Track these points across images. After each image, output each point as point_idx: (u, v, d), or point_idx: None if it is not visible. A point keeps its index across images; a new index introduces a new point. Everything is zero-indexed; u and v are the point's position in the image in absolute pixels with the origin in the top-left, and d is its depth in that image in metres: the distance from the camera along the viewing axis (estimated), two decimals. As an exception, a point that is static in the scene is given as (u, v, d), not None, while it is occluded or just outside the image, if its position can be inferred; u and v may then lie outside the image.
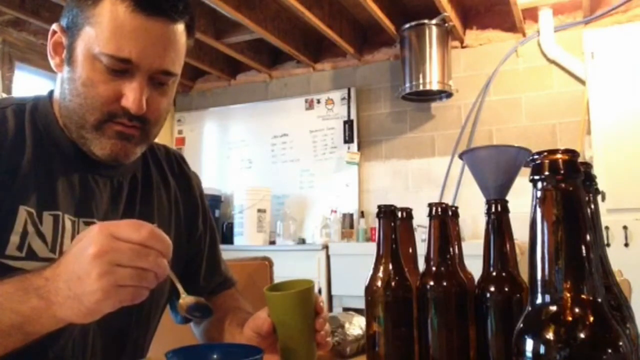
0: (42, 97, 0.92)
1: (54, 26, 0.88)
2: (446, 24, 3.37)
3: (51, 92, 0.92)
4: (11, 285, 0.68)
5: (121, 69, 0.82)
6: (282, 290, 0.85)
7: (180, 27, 0.86)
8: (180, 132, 4.61)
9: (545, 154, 0.48)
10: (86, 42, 0.82)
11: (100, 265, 0.62)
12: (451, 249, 0.80)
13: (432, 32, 3.38)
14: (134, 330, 0.95)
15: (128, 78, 0.83)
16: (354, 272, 2.48)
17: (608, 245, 2.85)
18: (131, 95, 0.82)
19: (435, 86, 3.40)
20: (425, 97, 3.64)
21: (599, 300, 0.46)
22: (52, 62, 0.89)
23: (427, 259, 0.81)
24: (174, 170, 1.07)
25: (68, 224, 0.85)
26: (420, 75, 3.40)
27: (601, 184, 2.71)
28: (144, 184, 0.99)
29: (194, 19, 0.90)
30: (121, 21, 0.80)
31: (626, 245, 2.94)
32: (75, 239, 0.68)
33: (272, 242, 3.89)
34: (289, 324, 0.82)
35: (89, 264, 0.62)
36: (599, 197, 0.88)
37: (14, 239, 0.80)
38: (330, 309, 3.34)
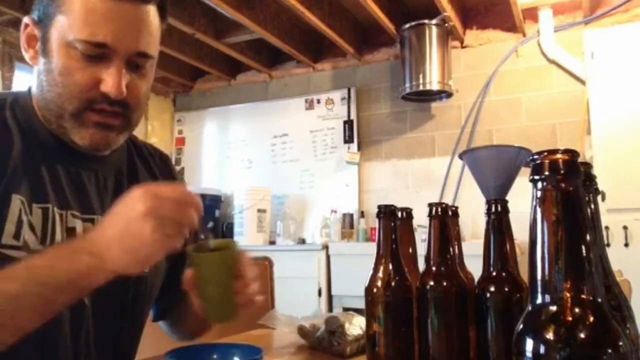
0: (22, 93, 0.91)
1: (26, 19, 0.87)
2: (446, 24, 3.37)
3: (30, 88, 0.91)
4: (56, 251, 0.75)
5: (97, 54, 0.82)
6: (207, 250, 0.85)
7: (152, 9, 0.86)
8: (180, 132, 4.61)
9: (545, 154, 0.48)
10: (59, 31, 0.82)
11: (152, 220, 0.70)
12: (451, 249, 0.80)
13: (432, 32, 3.38)
14: (129, 311, 0.94)
15: (105, 63, 0.82)
16: (354, 272, 2.48)
17: (608, 245, 2.85)
18: (110, 79, 0.82)
19: (435, 86, 3.40)
20: (425, 97, 3.63)
21: (599, 300, 0.46)
22: (27, 56, 0.88)
23: (427, 259, 0.81)
24: (161, 168, 1.07)
25: (57, 217, 0.85)
26: (420, 75, 3.40)
27: (601, 184, 2.70)
28: (130, 177, 0.99)
29: (165, 1, 0.90)
30: (92, 5, 0.80)
31: (626, 245, 2.94)
32: (119, 203, 0.74)
33: (272, 242, 3.89)
34: (207, 283, 0.82)
35: (142, 220, 0.70)
36: (599, 197, 0.88)
37: (9, 227, 0.80)
38: (330, 309, 3.34)
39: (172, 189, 0.74)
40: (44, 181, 0.85)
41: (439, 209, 0.81)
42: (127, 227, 0.71)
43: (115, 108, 0.85)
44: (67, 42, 0.81)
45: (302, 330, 1.10)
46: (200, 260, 0.82)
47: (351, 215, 3.79)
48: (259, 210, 3.83)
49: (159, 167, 1.07)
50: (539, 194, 0.48)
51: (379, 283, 0.81)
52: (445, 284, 0.78)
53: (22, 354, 0.76)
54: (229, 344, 0.89)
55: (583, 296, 0.45)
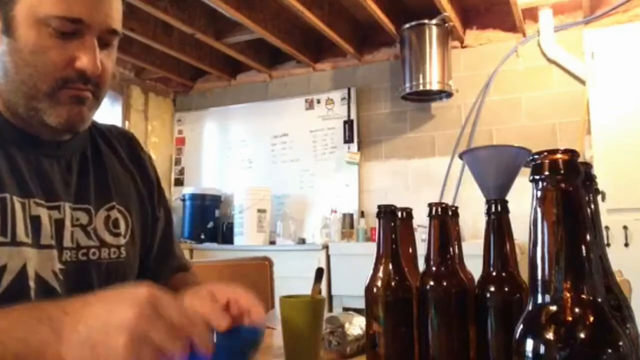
0: None
1: None
2: (446, 24, 3.37)
3: None
4: (23, 313, 0.64)
5: (72, 30, 0.80)
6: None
7: None
8: (180, 132, 4.61)
9: (545, 154, 0.48)
10: (27, 8, 0.80)
11: (131, 335, 0.59)
12: (451, 249, 0.80)
13: (432, 32, 3.39)
14: None
15: (78, 39, 0.81)
16: (354, 272, 2.48)
17: (608, 245, 2.85)
18: (85, 56, 0.81)
19: (435, 86, 3.40)
20: (425, 97, 3.64)
21: (599, 300, 0.45)
22: None
23: (427, 259, 0.81)
24: (127, 149, 1.06)
25: (18, 206, 0.82)
26: (420, 75, 3.40)
27: (601, 184, 2.71)
28: (95, 160, 0.97)
29: None
30: None
31: (626, 245, 2.94)
32: (120, 289, 0.64)
33: (272, 242, 3.89)
34: (299, 330, 0.87)
35: (122, 326, 0.59)
36: (599, 197, 0.88)
37: None
38: (330, 309, 3.34)
39: (178, 308, 0.63)
40: (0, 171, 0.82)
41: (439, 209, 0.80)
42: (103, 324, 0.60)
43: (89, 86, 0.84)
44: (38, 19, 0.80)
45: (302, 330, 1.10)
46: (292, 305, 0.88)
47: (351, 215, 3.79)
48: (259, 210, 3.83)
49: (124, 148, 1.05)
50: (539, 194, 0.48)
51: (379, 283, 0.81)
52: (445, 284, 0.78)
53: None
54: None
55: (583, 296, 0.45)
